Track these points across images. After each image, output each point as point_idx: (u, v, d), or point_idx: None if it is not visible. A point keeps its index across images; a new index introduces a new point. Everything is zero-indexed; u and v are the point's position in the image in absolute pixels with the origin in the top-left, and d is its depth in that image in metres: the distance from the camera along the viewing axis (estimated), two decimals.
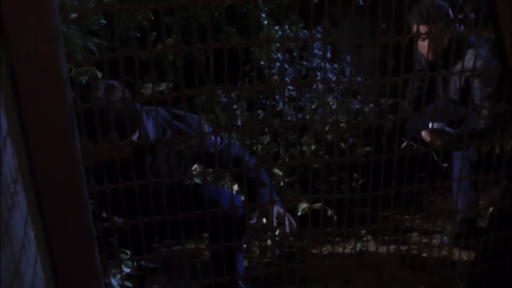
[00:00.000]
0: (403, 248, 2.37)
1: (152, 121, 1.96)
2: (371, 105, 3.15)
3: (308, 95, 3.15)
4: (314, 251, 2.12)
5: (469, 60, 2.33)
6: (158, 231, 1.34)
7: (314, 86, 3.14)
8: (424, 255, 2.26)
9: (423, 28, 2.49)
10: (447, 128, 2.55)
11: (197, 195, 1.43)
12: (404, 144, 2.77)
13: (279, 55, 3.23)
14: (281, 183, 2.48)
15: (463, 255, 2.33)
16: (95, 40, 1.88)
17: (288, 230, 1.91)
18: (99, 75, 1.97)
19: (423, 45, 2.67)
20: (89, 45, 1.83)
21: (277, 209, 1.96)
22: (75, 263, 1.23)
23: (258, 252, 2.36)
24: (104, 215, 2.04)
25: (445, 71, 2.61)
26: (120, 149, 1.79)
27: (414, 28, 2.47)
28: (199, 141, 1.94)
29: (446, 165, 2.75)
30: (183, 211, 1.32)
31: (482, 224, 2.67)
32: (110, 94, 1.72)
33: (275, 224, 1.94)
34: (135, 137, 1.91)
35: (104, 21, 2.04)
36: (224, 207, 1.37)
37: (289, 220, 1.92)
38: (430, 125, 2.56)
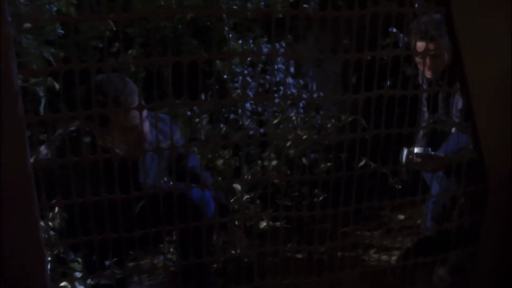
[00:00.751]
0: (363, 264, 2.37)
1: (146, 123, 1.99)
2: (333, 120, 3.15)
3: (270, 110, 3.14)
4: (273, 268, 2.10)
5: None
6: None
7: (277, 100, 3.12)
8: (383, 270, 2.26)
9: (421, 45, 2.35)
10: (433, 153, 2.43)
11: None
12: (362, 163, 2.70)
13: (241, 68, 3.22)
14: (243, 199, 2.47)
15: (422, 271, 2.34)
16: (52, 50, 1.83)
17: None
18: (57, 86, 1.92)
19: (422, 63, 2.49)
20: (45, 55, 1.78)
21: (239, 234, 2.19)
22: (23, 283, 1.18)
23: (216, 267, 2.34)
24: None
25: (445, 91, 2.50)
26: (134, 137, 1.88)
27: (413, 45, 2.37)
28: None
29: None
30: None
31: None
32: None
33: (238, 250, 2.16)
34: None
35: (62, 31, 1.99)
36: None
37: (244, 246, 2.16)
38: (415, 149, 2.45)
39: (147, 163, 2.04)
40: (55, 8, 1.81)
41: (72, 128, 1.94)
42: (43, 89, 1.85)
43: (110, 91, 1.78)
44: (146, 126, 1.94)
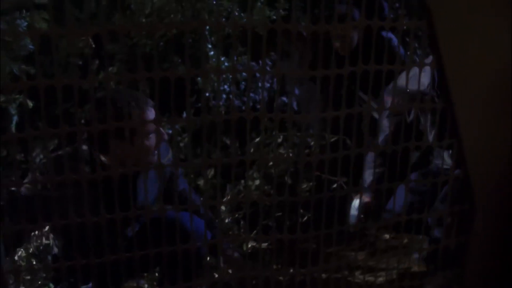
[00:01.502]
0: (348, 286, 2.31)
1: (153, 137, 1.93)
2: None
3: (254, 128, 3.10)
4: None
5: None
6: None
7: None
8: None
9: None
10: None
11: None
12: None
13: (225, 86, 3.18)
14: (225, 220, 2.41)
15: None
16: (23, 66, 1.77)
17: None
18: (30, 104, 1.85)
19: None
20: (15, 71, 1.72)
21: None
22: None
23: None
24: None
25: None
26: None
27: None
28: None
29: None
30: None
31: None
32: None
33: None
34: None
35: (32, 46, 1.92)
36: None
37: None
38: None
39: (144, 183, 1.95)
40: (25, 23, 1.76)
41: (68, 148, 1.86)
42: (14, 106, 1.79)
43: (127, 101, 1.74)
44: (153, 140, 1.86)
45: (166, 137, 1.86)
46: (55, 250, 1.98)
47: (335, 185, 2.46)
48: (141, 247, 1.30)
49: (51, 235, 1.97)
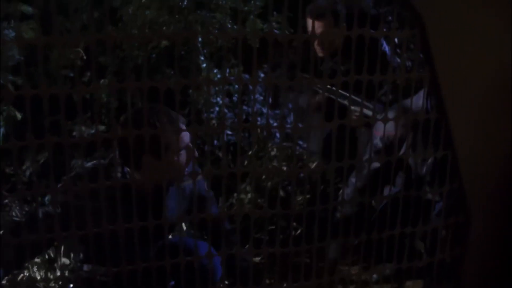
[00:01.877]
0: None
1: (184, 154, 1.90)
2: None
3: (246, 141, 3.08)
4: None
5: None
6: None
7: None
8: None
9: None
10: None
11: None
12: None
13: (218, 98, 3.16)
14: None
15: None
16: (10, 76, 1.74)
17: None
18: (18, 116, 1.82)
19: None
20: (1, 81, 1.69)
21: None
22: None
23: None
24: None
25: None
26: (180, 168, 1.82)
27: None
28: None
29: None
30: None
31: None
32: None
33: None
34: None
35: (19, 57, 1.89)
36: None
37: None
38: None
39: (171, 200, 1.91)
40: (13, 33, 1.73)
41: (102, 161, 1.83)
42: (1, 118, 1.76)
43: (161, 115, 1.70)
44: (183, 157, 1.85)
45: (197, 154, 1.83)
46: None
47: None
48: (161, 270, 1.30)
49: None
